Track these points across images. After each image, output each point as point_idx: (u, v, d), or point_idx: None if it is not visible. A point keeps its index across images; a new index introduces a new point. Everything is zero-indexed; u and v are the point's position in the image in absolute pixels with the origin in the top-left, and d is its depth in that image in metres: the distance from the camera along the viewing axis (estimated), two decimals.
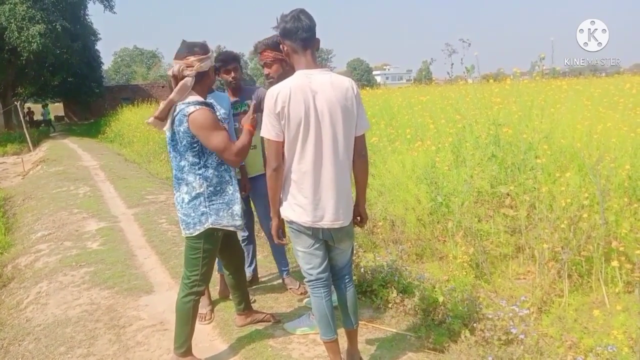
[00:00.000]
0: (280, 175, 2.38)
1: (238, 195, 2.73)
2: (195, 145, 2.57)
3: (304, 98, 2.27)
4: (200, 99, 2.62)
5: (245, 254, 3.93)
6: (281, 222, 2.50)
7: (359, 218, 2.60)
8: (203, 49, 2.64)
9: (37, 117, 32.07)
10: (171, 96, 2.58)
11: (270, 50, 3.01)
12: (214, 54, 2.73)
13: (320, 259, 2.50)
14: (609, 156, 4.12)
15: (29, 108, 32.94)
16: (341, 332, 2.66)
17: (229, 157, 2.58)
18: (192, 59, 2.58)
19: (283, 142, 2.33)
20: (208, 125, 2.53)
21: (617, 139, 4.56)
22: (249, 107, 3.41)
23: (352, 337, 2.65)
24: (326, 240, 2.47)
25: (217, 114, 2.74)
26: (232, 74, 3.48)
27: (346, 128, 2.36)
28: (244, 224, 2.81)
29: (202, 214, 2.63)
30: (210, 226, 2.64)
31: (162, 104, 2.59)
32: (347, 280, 2.61)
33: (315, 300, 2.53)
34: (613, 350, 2.53)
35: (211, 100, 2.98)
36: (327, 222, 2.39)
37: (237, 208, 2.71)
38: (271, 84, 3.10)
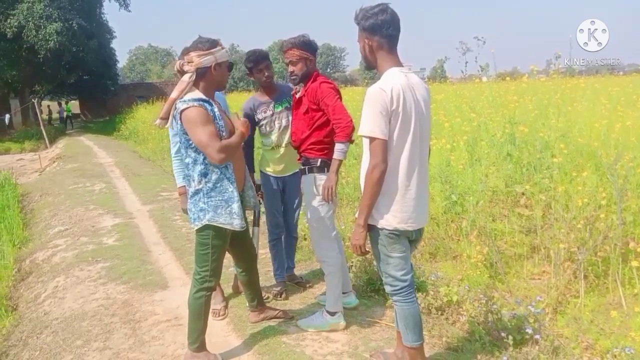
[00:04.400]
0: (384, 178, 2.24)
1: (237, 194, 2.65)
2: (191, 141, 2.55)
3: (412, 95, 2.23)
4: (198, 95, 2.56)
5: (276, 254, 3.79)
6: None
7: None
8: (207, 45, 2.58)
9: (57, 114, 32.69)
10: (172, 94, 2.57)
11: (296, 48, 3.03)
12: (223, 51, 2.64)
13: (409, 260, 2.43)
14: (627, 155, 4.05)
15: (59, 104, 33.37)
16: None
17: (212, 154, 2.47)
18: (192, 54, 2.56)
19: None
20: (195, 121, 2.48)
21: (636, 138, 4.49)
22: (289, 104, 3.40)
23: None
24: (413, 240, 2.42)
25: (216, 110, 2.64)
26: (265, 73, 3.41)
27: (430, 126, 2.38)
28: (244, 223, 2.71)
29: (201, 210, 2.62)
30: (207, 222, 2.61)
31: (165, 104, 2.60)
32: None
33: (411, 308, 2.40)
34: (630, 352, 2.50)
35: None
36: (426, 220, 2.38)
37: (236, 206, 2.65)
38: (294, 81, 3.14)
